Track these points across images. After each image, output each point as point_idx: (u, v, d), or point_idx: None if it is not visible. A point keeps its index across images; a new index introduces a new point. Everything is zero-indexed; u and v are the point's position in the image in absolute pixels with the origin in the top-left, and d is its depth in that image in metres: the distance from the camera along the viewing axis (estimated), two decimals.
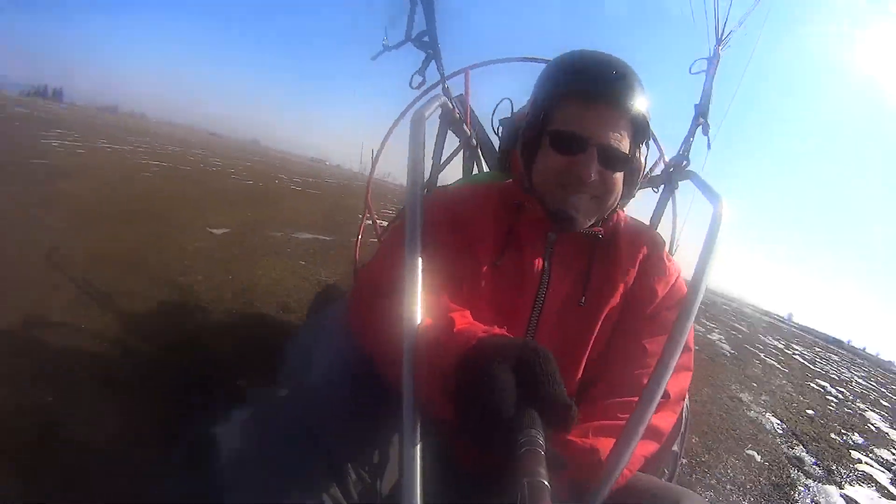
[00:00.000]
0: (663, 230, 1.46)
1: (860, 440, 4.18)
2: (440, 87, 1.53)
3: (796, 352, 10.90)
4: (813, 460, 3.20)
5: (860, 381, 9.70)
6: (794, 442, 3.48)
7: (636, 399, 0.72)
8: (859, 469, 3.33)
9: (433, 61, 1.40)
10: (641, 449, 0.77)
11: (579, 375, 0.87)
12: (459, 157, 1.74)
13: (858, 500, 2.76)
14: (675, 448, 1.09)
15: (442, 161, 1.61)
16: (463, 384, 0.56)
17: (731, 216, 0.81)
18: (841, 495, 2.73)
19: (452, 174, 1.74)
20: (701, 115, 1.34)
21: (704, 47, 1.39)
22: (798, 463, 3.06)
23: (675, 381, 0.82)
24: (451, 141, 1.65)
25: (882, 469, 3.52)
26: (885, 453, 4.01)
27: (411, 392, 0.62)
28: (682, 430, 1.11)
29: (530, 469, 0.48)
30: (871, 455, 3.79)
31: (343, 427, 0.67)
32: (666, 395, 0.79)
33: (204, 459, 0.68)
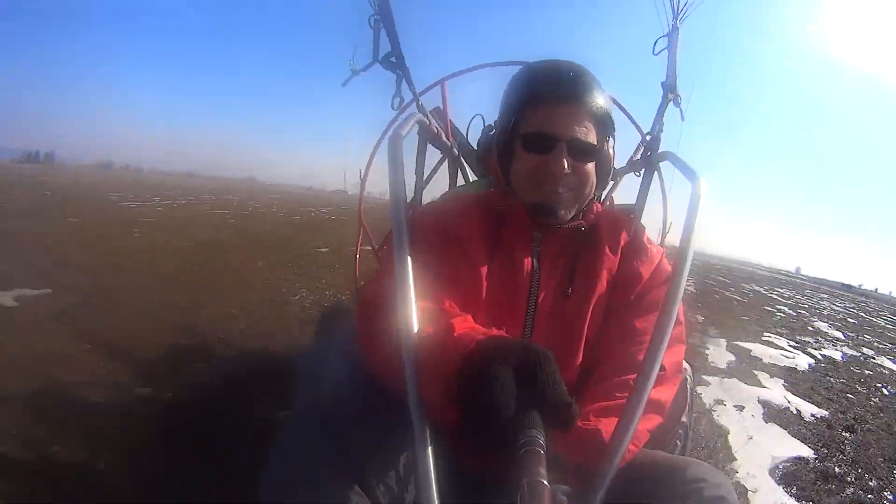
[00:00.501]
0: (651, 212, 1.46)
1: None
2: (415, 104, 1.53)
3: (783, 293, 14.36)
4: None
5: (835, 307, 13.31)
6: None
7: (633, 377, 0.75)
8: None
9: (404, 80, 1.39)
10: (644, 424, 0.79)
11: (579, 363, 0.89)
12: (444, 170, 1.76)
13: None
14: (683, 419, 1.09)
15: (426, 176, 1.60)
16: (464, 386, 0.57)
17: (709, 192, 0.84)
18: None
19: (439, 187, 1.76)
20: (669, 90, 1.35)
21: (664, 25, 1.38)
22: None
23: (670, 355, 0.84)
24: (435, 155, 1.67)
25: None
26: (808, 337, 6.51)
27: (416, 400, 0.63)
28: (689, 402, 1.12)
29: (530, 469, 0.48)
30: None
31: (368, 439, 0.68)
32: (662, 369, 0.80)
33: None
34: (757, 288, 13.59)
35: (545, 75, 0.90)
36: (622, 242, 0.96)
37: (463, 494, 0.74)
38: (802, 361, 4.69)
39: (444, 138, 1.55)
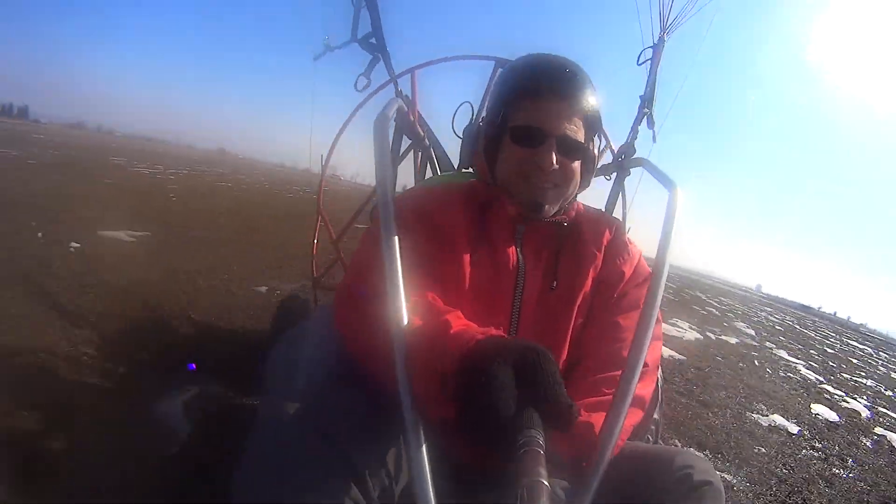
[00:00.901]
0: (616, 215, 1.52)
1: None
2: (387, 87, 1.55)
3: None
4: None
5: (771, 318, 14.59)
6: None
7: (618, 373, 0.77)
8: None
9: (380, 62, 1.44)
10: (629, 419, 0.80)
11: (564, 357, 0.90)
12: (410, 161, 1.70)
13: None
14: (655, 416, 1.12)
15: (396, 162, 1.57)
16: (464, 385, 0.56)
17: (685, 201, 0.89)
18: None
19: (405, 177, 1.71)
20: (646, 105, 1.39)
21: (650, 37, 1.43)
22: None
23: (650, 351, 0.85)
24: (402, 145, 1.62)
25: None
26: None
27: (408, 394, 0.62)
28: (659, 398, 1.15)
29: (530, 469, 0.48)
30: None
31: (356, 431, 0.66)
32: (644, 365, 0.82)
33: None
34: (699, 294, 14.40)
35: (541, 70, 0.89)
36: (605, 241, 0.97)
37: (457, 485, 0.75)
38: (692, 336, 5.92)
39: (417, 128, 1.52)
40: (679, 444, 2.40)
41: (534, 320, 0.89)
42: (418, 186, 1.14)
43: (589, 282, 0.93)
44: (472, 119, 1.30)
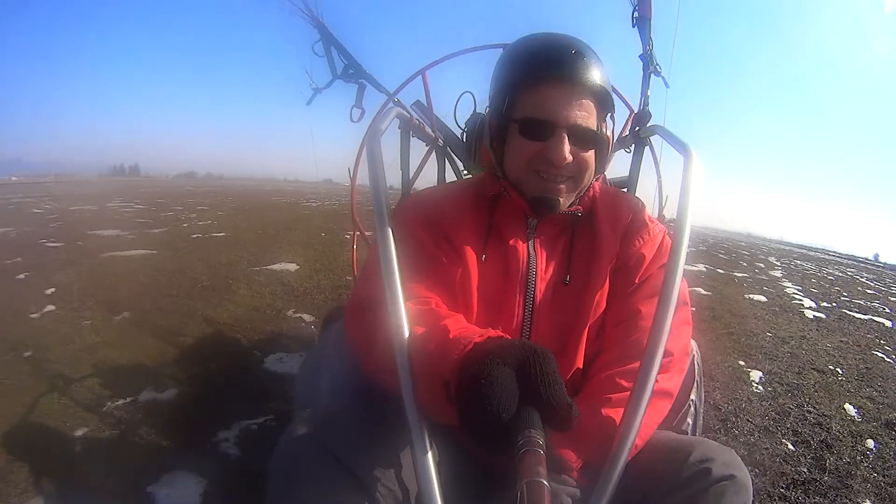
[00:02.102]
0: (642, 188, 1.43)
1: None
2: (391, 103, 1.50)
3: None
4: None
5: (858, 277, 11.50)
6: None
7: (638, 365, 0.70)
8: None
9: (368, 88, 1.47)
10: (652, 416, 0.76)
11: (582, 354, 0.85)
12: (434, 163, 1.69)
13: None
14: (692, 397, 1.04)
15: (414, 169, 1.58)
16: (462, 388, 0.55)
17: (701, 165, 0.82)
18: None
19: (428, 182, 1.67)
20: (648, 62, 1.32)
21: None
22: None
23: (676, 338, 0.81)
24: (422, 149, 1.61)
25: None
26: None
27: (412, 402, 0.61)
28: (696, 379, 1.05)
29: (530, 469, 0.47)
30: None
31: (365, 445, 0.67)
32: (668, 355, 0.77)
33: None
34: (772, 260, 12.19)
35: (543, 53, 0.81)
36: (624, 223, 0.90)
37: (475, 488, 0.75)
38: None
39: (429, 129, 1.51)
40: None
41: (549, 318, 0.84)
42: (425, 189, 1.11)
43: (605, 270, 0.86)
44: (474, 110, 1.26)
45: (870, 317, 5.22)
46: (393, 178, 1.36)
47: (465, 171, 1.73)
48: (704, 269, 7.30)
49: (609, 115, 0.87)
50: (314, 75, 1.37)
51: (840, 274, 9.98)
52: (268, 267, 4.28)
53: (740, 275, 7.54)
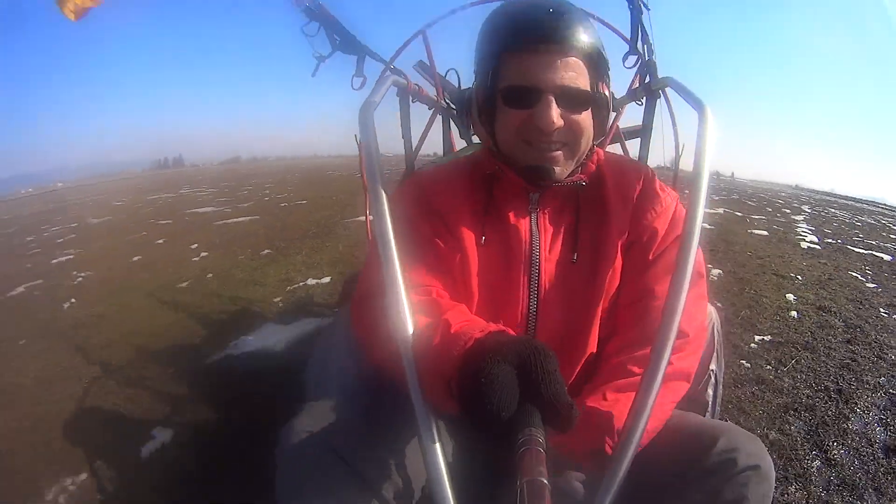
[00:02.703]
0: (655, 142, 1.41)
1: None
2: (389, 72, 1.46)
3: None
4: None
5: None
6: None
7: (650, 350, 0.67)
8: None
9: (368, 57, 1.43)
10: (669, 395, 0.74)
11: (596, 335, 0.82)
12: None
13: None
14: (712, 367, 0.98)
15: (420, 134, 1.54)
16: (463, 385, 0.55)
17: (715, 121, 0.75)
18: None
19: (436, 146, 1.68)
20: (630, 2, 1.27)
21: None
22: None
23: (692, 317, 0.78)
24: (424, 113, 1.55)
25: None
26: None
27: (419, 395, 0.61)
28: (715, 348, 1.00)
29: (530, 468, 0.47)
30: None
31: (368, 441, 0.67)
32: (684, 335, 0.75)
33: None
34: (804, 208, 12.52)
35: (520, 16, 0.76)
36: (634, 195, 0.86)
37: (477, 480, 0.74)
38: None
39: (430, 92, 1.47)
40: None
41: (557, 300, 0.80)
42: (422, 170, 1.07)
43: (616, 246, 0.82)
44: (458, 85, 1.22)
45: (871, 252, 5.44)
46: (398, 146, 1.42)
47: (474, 134, 1.63)
48: (722, 212, 7.70)
49: (606, 73, 0.81)
50: (317, 46, 1.34)
51: (872, 221, 9.89)
52: (355, 219, 5.42)
53: (757, 217, 7.89)
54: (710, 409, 0.99)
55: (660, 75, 1.29)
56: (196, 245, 4.86)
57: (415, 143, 1.49)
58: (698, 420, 0.82)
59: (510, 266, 0.81)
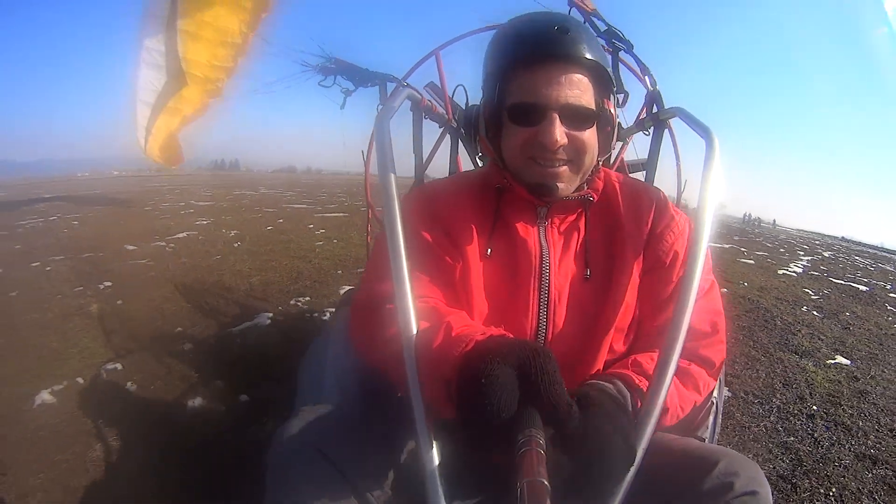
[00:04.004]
0: (662, 170, 1.41)
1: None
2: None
3: None
4: None
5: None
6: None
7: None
8: None
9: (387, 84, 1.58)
10: (690, 381, 0.75)
11: (605, 356, 0.80)
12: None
13: None
14: (714, 396, 0.98)
15: (429, 151, 1.57)
16: (463, 387, 0.55)
17: (721, 148, 0.78)
18: None
19: (444, 164, 1.67)
20: (608, 41, 1.34)
21: None
22: None
23: (717, 313, 0.81)
24: (435, 131, 1.60)
25: None
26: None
27: (419, 398, 0.61)
28: (720, 377, 1.01)
29: (530, 469, 0.47)
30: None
31: (359, 448, 0.67)
32: (715, 330, 0.79)
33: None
34: (820, 251, 13.85)
35: (526, 33, 0.77)
36: (650, 217, 0.85)
37: (475, 486, 0.75)
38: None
39: (442, 111, 1.49)
40: None
41: (569, 317, 0.79)
42: (429, 182, 1.05)
43: (630, 264, 0.81)
44: (466, 102, 1.25)
45: (849, 284, 6.27)
46: (406, 165, 1.35)
47: (481, 154, 1.58)
48: (728, 247, 8.74)
49: (611, 91, 0.80)
50: (334, 87, 1.50)
51: (889, 268, 10.78)
52: None
53: (759, 252, 8.74)
54: (709, 436, 0.98)
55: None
56: (312, 225, 6.46)
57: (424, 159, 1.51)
58: (697, 444, 0.81)
59: (518, 279, 0.79)
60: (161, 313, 2.79)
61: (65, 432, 1.63)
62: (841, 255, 12.95)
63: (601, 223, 0.84)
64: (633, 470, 0.59)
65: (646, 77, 1.38)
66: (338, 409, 0.74)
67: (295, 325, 2.74)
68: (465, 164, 1.66)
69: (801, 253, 11.05)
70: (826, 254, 12.26)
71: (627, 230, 0.83)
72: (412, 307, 0.64)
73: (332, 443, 0.66)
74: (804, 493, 1.58)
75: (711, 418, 0.99)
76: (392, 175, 0.70)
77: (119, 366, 2.09)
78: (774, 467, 1.71)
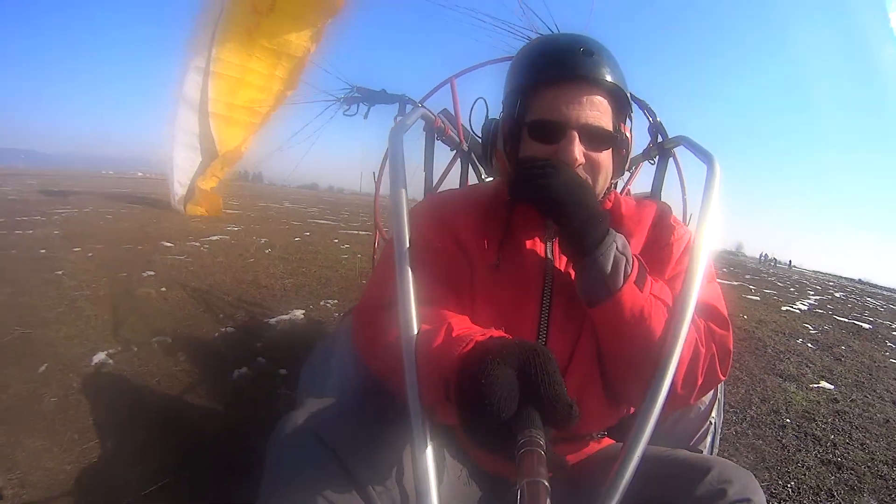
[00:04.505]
0: (668, 200, 1.35)
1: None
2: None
3: None
4: None
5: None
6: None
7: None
8: None
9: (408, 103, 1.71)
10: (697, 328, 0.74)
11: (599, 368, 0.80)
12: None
13: None
14: (712, 416, 0.99)
15: (440, 174, 1.59)
16: (462, 386, 0.55)
17: (723, 174, 0.82)
18: None
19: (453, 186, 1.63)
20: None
21: None
22: None
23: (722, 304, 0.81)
24: (448, 156, 1.65)
25: None
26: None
27: (416, 401, 0.60)
28: (716, 397, 1.02)
29: (530, 469, 0.47)
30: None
31: (362, 441, 0.67)
32: (723, 319, 0.79)
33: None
34: (832, 291, 14.15)
35: (551, 52, 0.80)
36: (647, 225, 0.87)
37: (477, 489, 0.76)
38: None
39: (454, 134, 1.52)
40: None
41: (569, 329, 0.79)
42: (441, 192, 1.08)
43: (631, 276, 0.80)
44: (486, 115, 1.22)
45: (853, 322, 6.44)
46: (416, 188, 1.39)
47: (489, 180, 1.65)
48: (737, 284, 9.01)
49: (628, 115, 0.83)
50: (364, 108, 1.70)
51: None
52: None
53: (767, 290, 8.95)
54: (706, 454, 0.97)
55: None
56: (337, 240, 6.78)
57: (434, 181, 1.53)
58: (689, 453, 0.81)
59: (523, 291, 0.80)
60: (204, 300, 3.09)
61: (123, 386, 1.91)
62: (853, 296, 13.03)
63: None
64: (628, 474, 0.59)
65: (645, 110, 1.46)
66: (340, 402, 0.75)
67: (326, 321, 3.03)
68: None
69: (811, 292, 11.09)
70: (837, 294, 12.30)
71: (631, 245, 0.81)
72: (414, 309, 0.66)
73: (331, 430, 0.66)
74: (762, 482, 1.77)
75: (710, 438, 1.00)
76: (403, 181, 0.75)
77: (169, 339, 2.36)
78: (738, 461, 1.89)
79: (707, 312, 0.78)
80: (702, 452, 0.96)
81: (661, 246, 0.85)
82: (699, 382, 0.75)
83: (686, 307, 0.68)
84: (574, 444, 0.85)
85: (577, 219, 0.70)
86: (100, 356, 2.08)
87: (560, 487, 0.53)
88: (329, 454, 0.63)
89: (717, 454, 1.02)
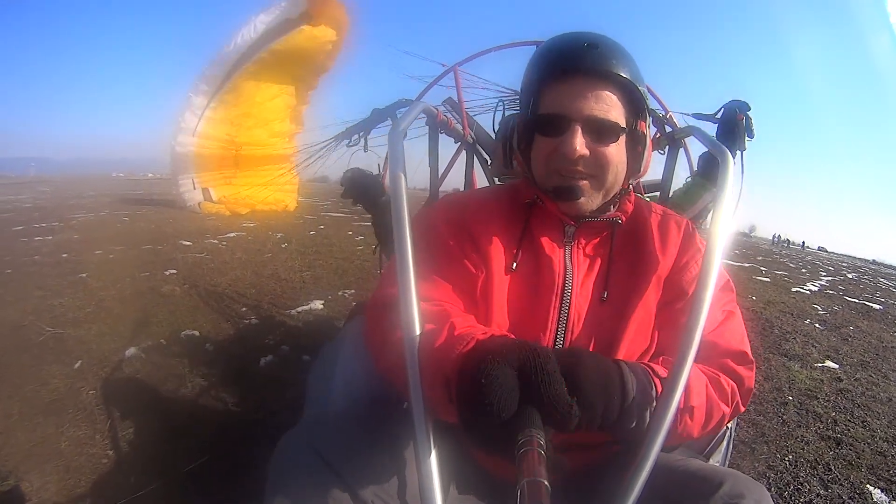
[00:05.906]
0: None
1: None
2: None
3: None
4: None
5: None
6: None
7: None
8: None
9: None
10: (722, 389, 0.72)
11: None
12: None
13: None
14: (729, 424, 0.95)
15: (445, 166, 1.56)
16: (463, 386, 0.55)
17: (736, 167, 0.79)
18: None
19: (459, 180, 1.65)
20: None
21: None
22: None
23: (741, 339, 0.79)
24: (451, 147, 1.60)
25: None
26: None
27: (420, 402, 0.60)
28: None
29: (530, 469, 0.47)
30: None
31: (362, 460, 0.66)
32: (742, 355, 0.76)
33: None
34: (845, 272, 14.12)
35: (557, 49, 0.80)
36: (672, 242, 0.85)
37: (479, 491, 0.76)
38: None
39: (458, 126, 1.49)
40: None
41: (584, 337, 0.78)
42: (458, 192, 1.08)
43: (651, 290, 0.79)
44: (502, 114, 1.22)
45: (864, 302, 6.45)
46: (422, 180, 1.41)
47: (506, 171, 1.54)
48: (746, 265, 9.08)
49: (643, 110, 0.81)
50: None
51: None
52: None
53: (778, 272, 9.01)
54: (721, 463, 0.96)
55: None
56: (351, 232, 6.91)
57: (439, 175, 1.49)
58: (702, 464, 0.79)
59: (540, 297, 0.79)
60: (227, 295, 3.23)
61: (156, 376, 2.04)
62: (865, 276, 12.86)
63: (627, 247, 0.84)
64: (639, 483, 0.57)
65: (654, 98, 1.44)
66: (342, 417, 0.74)
67: (344, 310, 3.16)
68: (480, 180, 1.65)
69: (823, 273, 11.02)
70: (850, 275, 12.19)
71: (653, 257, 0.82)
72: (416, 310, 0.65)
73: (334, 449, 0.66)
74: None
75: (724, 444, 0.97)
76: (404, 184, 0.73)
77: (196, 332, 2.49)
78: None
79: (731, 355, 0.76)
80: (714, 460, 0.95)
81: (688, 280, 0.81)
82: (711, 428, 0.74)
83: (701, 310, 0.65)
84: (590, 451, 0.80)
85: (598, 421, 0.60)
86: (131, 350, 2.21)
87: (568, 493, 0.52)
88: (331, 474, 0.64)
89: (730, 463, 1.02)
